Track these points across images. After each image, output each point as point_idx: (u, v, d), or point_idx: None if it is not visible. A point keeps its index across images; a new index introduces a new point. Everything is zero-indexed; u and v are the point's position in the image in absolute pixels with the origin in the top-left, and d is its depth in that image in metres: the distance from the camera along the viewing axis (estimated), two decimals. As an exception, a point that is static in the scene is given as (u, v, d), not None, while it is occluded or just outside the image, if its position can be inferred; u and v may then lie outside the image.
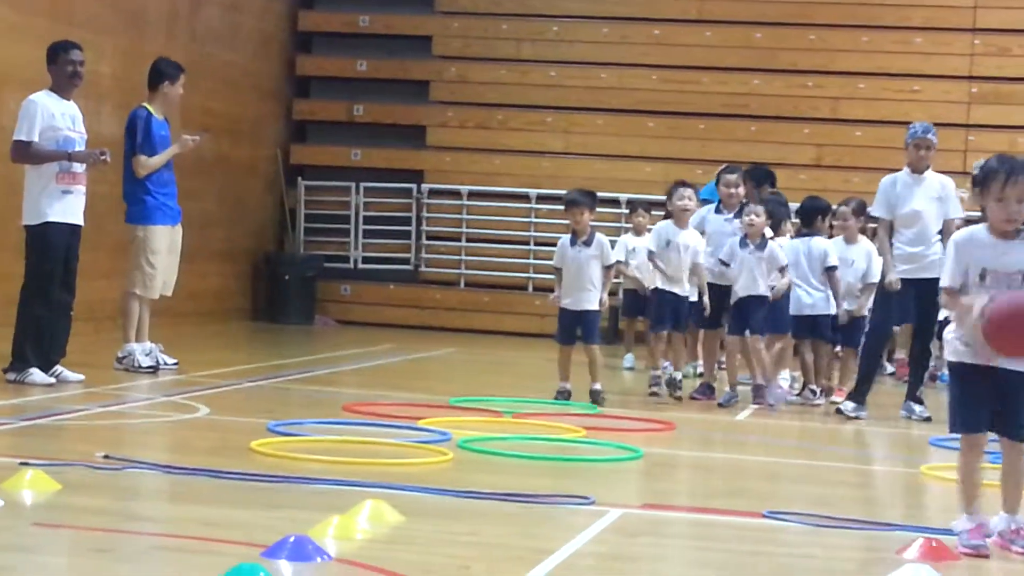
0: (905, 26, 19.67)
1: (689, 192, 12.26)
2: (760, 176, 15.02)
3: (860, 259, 12.77)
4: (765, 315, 12.07)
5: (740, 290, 12.06)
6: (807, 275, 12.44)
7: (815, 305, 12.48)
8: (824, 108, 19.78)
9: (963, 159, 18.67)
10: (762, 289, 12.03)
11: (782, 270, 12.07)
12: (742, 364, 12.42)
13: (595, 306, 11.83)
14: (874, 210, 11.86)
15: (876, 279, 12.25)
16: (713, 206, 12.85)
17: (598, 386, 11.85)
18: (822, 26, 19.86)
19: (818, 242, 12.60)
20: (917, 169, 11.62)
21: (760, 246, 12.03)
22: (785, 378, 12.98)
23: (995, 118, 19.27)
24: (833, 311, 12.59)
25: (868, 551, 6.67)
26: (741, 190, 12.67)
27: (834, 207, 13.23)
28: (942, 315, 13.79)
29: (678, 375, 12.28)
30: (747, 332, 12.03)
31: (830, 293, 12.53)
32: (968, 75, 19.49)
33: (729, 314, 12.32)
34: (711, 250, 12.40)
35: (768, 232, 12.29)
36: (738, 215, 12.41)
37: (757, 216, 12.08)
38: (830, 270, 12.49)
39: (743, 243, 12.09)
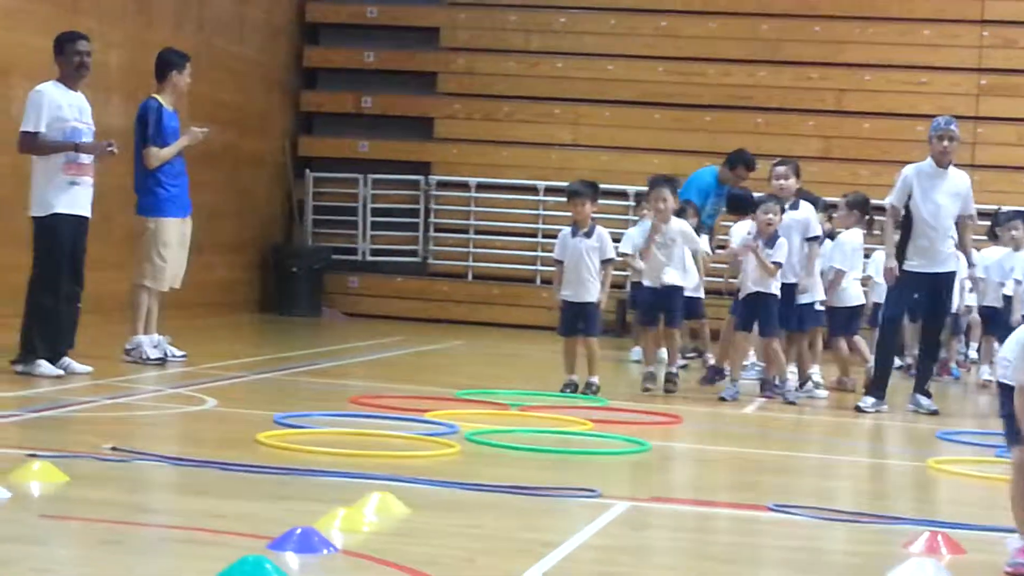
0: (912, 18, 19.63)
1: (666, 192, 12.25)
2: (732, 160, 15.25)
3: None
4: (775, 313, 12.09)
5: (749, 286, 12.07)
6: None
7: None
8: (830, 100, 19.76)
9: (971, 152, 18.66)
10: (773, 287, 12.04)
11: (776, 265, 12.04)
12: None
13: (595, 298, 11.86)
14: (890, 198, 11.86)
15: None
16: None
17: (595, 379, 11.89)
18: (828, 17, 19.83)
19: (801, 211, 12.67)
20: (941, 163, 11.66)
21: (769, 242, 12.02)
22: (793, 372, 12.99)
23: (1004, 110, 19.26)
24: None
25: (874, 544, 6.67)
26: (792, 182, 12.56)
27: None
28: (954, 308, 13.94)
29: (673, 369, 12.27)
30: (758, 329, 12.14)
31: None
32: (977, 67, 19.46)
33: (737, 309, 12.36)
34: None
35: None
36: (793, 207, 12.38)
37: (775, 215, 12.04)
38: (811, 240, 12.57)
39: (755, 239, 12.08)
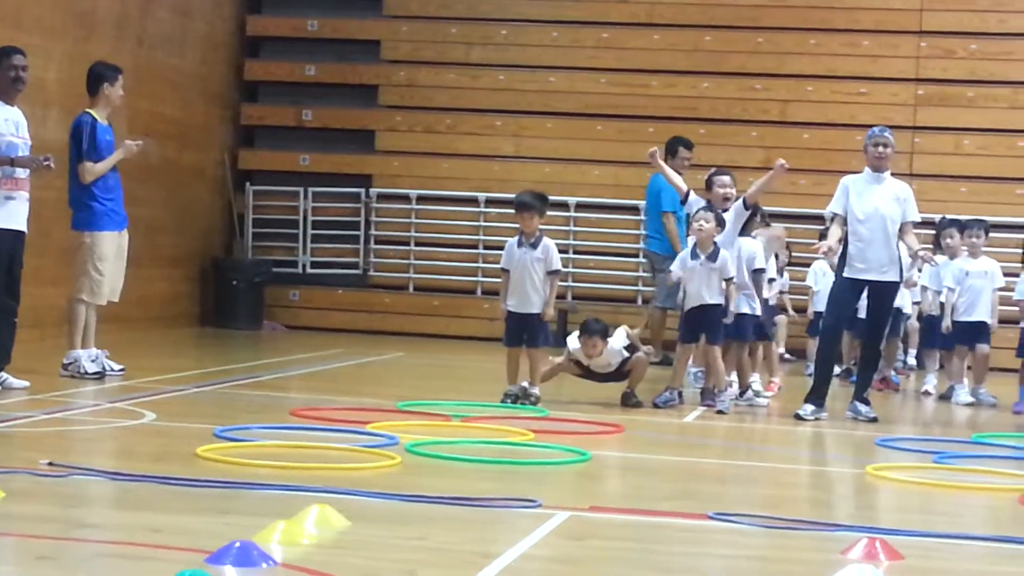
0: (853, 29, 19.77)
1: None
2: (672, 149, 15.27)
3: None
4: (720, 323, 12.11)
5: (691, 300, 12.12)
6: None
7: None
8: (773, 111, 19.86)
9: (909, 161, 18.82)
10: (715, 298, 12.07)
11: (728, 281, 12.10)
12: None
13: (539, 309, 11.87)
14: (830, 206, 11.99)
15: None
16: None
17: (535, 390, 11.90)
18: (771, 29, 19.94)
19: (746, 244, 12.73)
20: (877, 168, 11.86)
21: (712, 256, 12.05)
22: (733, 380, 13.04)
23: (940, 120, 19.42)
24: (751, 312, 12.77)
25: (813, 552, 6.69)
26: (733, 191, 12.66)
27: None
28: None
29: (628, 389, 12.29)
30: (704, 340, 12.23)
31: (753, 294, 12.70)
32: (915, 77, 19.61)
33: (680, 322, 12.43)
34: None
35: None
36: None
37: (707, 222, 12.10)
38: (757, 272, 12.64)
39: (694, 254, 12.13)
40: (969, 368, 14.23)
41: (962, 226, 14.61)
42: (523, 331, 11.94)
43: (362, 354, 16.46)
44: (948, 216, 15.59)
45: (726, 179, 12.73)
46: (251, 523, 6.35)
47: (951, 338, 14.07)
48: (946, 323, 13.86)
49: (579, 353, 12.16)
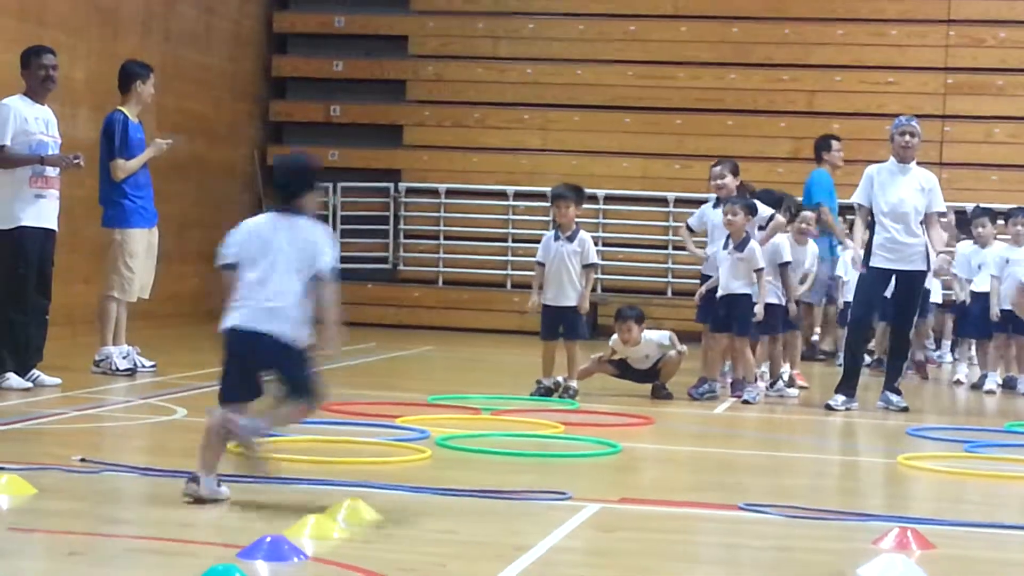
0: (880, 18, 19.70)
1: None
2: (822, 147, 14.98)
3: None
4: (749, 314, 12.06)
5: (720, 289, 12.11)
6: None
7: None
8: (800, 101, 19.80)
9: (939, 150, 18.74)
10: (742, 288, 12.04)
11: (758, 272, 12.06)
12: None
13: (575, 303, 11.87)
14: (854, 197, 11.95)
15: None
16: (712, 200, 12.77)
17: (573, 383, 11.89)
18: (797, 20, 19.88)
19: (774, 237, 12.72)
20: (903, 159, 11.77)
21: (740, 246, 12.02)
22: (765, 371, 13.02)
23: (970, 109, 19.34)
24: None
25: (845, 542, 6.68)
26: (729, 180, 12.61)
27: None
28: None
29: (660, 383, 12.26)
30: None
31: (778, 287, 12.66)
32: (943, 66, 19.53)
33: (712, 311, 12.39)
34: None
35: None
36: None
37: (735, 215, 12.06)
38: (782, 267, 12.60)
39: (725, 244, 12.10)
40: (1001, 357, 14.16)
41: (994, 215, 14.55)
42: (559, 324, 11.95)
43: (391, 348, 16.48)
44: (980, 205, 15.53)
45: (715, 170, 12.72)
46: (282, 517, 6.38)
47: (984, 327, 14.03)
48: (994, 311, 13.80)
49: (617, 344, 12.15)
